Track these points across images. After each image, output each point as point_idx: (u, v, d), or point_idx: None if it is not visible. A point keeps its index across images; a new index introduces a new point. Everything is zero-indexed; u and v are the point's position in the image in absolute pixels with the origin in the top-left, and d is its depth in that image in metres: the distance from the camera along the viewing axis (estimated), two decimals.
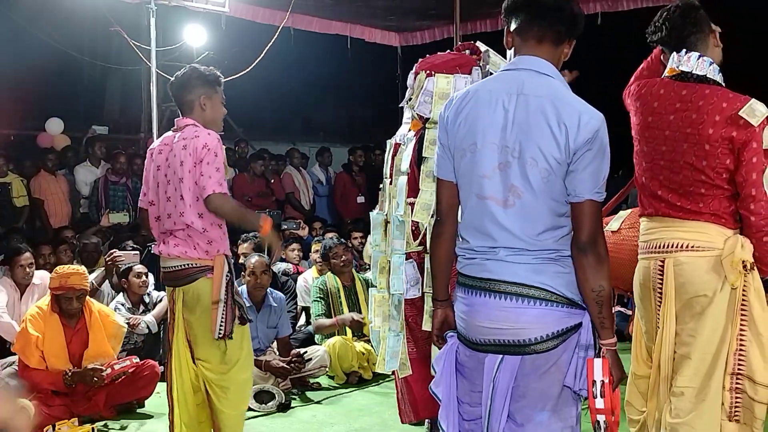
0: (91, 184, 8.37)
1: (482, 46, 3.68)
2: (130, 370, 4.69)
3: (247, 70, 8.51)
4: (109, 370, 4.59)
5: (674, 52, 2.79)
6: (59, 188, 8.33)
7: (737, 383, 2.73)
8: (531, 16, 2.21)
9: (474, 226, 2.22)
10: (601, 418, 2.15)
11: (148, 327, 5.49)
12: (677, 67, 2.77)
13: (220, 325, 3.31)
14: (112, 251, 5.16)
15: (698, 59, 2.73)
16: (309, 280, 6.48)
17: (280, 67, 11.48)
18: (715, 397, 2.73)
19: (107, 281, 5.72)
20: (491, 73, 3.35)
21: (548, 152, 2.09)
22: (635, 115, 2.90)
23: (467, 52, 3.73)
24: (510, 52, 2.34)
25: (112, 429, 4.57)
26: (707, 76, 2.73)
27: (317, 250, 6.53)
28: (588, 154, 2.09)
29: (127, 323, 5.36)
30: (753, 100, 2.67)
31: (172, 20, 9.33)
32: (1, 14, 10.71)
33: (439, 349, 2.45)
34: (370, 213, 3.92)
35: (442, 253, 2.37)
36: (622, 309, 6.02)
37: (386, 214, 3.74)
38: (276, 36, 8.86)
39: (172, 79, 3.52)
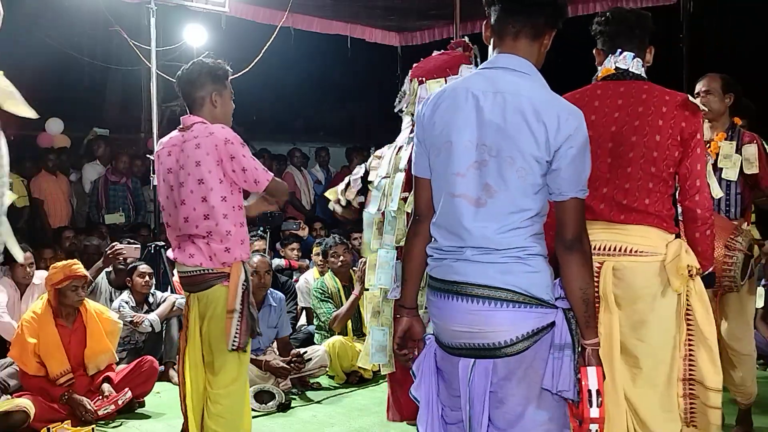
0: (91, 184, 8.38)
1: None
2: (119, 401, 4.62)
3: (247, 69, 8.49)
4: (104, 410, 4.53)
5: (610, 54, 2.80)
6: (59, 188, 8.35)
7: (690, 389, 2.70)
8: (506, 10, 2.18)
9: (444, 226, 2.19)
10: (594, 427, 2.11)
11: (151, 325, 5.49)
12: (612, 66, 2.77)
13: (235, 337, 3.15)
14: (113, 244, 5.12)
15: (633, 59, 2.76)
16: (310, 280, 6.49)
17: (280, 67, 11.48)
18: (674, 405, 2.69)
19: (105, 278, 5.73)
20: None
21: (527, 150, 2.06)
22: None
23: (460, 49, 3.75)
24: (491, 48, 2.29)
25: (112, 429, 4.57)
26: (642, 75, 2.76)
27: (318, 253, 6.55)
28: (570, 151, 2.07)
29: (131, 321, 5.37)
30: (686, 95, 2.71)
31: (172, 20, 9.33)
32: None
33: (402, 362, 2.41)
34: (363, 212, 3.92)
35: (416, 253, 2.31)
36: None
37: (381, 212, 3.75)
38: (276, 36, 8.85)
39: (179, 73, 3.36)
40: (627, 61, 2.75)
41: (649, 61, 2.86)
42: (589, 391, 2.09)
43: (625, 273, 2.66)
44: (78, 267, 4.65)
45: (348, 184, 4.21)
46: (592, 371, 2.11)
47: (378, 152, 3.99)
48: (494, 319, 2.09)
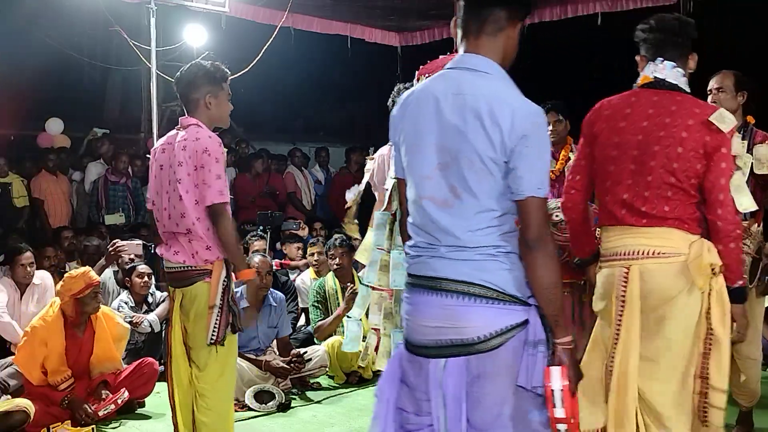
0: (91, 184, 8.38)
1: None
2: (118, 401, 4.60)
3: (247, 69, 8.50)
4: (104, 410, 4.53)
5: (650, 62, 2.82)
6: (59, 188, 8.35)
7: (705, 387, 2.72)
8: (466, 8, 2.20)
9: (418, 225, 2.22)
10: (562, 426, 2.09)
11: (150, 325, 5.49)
12: (651, 74, 2.80)
13: (213, 331, 3.28)
14: (114, 241, 5.11)
15: (672, 68, 2.78)
16: (306, 281, 6.50)
17: (280, 67, 11.49)
18: (687, 401, 2.72)
19: (113, 277, 5.73)
20: None
21: (483, 152, 2.06)
22: (601, 125, 2.85)
23: None
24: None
25: (112, 429, 4.57)
26: (678, 85, 2.78)
27: (313, 253, 6.55)
28: (525, 150, 2.05)
29: (130, 321, 5.37)
30: (722, 108, 2.72)
31: (172, 20, 9.33)
32: (1, 14, 10.71)
33: None
34: (374, 212, 3.93)
35: None
36: None
37: (393, 213, 3.76)
38: (275, 36, 8.86)
39: (177, 75, 3.44)
40: (666, 70, 2.78)
41: (692, 68, 2.88)
42: (553, 391, 2.07)
43: (651, 275, 2.69)
44: (94, 274, 4.64)
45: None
46: (556, 371, 2.09)
47: (375, 154, 4.02)
48: (468, 314, 2.10)
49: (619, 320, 2.73)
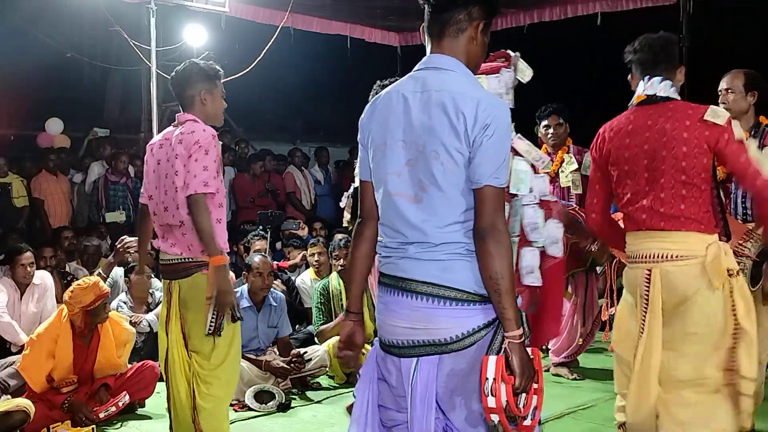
0: (91, 184, 8.38)
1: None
2: (119, 403, 4.58)
3: (247, 69, 8.50)
4: (104, 412, 4.52)
5: (641, 80, 3.09)
6: (59, 188, 8.35)
7: (731, 379, 2.91)
8: (429, 12, 2.26)
9: (387, 224, 2.24)
10: (494, 417, 2.07)
11: (150, 325, 5.49)
12: (643, 92, 3.06)
13: (211, 321, 3.33)
14: (122, 237, 5.08)
15: (661, 82, 3.03)
16: (306, 281, 6.50)
17: (280, 67, 11.47)
18: (718, 389, 2.91)
19: (123, 276, 5.73)
20: (517, 79, 3.43)
21: (449, 144, 2.11)
22: (609, 147, 3.12)
23: (501, 60, 3.75)
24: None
25: (113, 429, 4.57)
26: (670, 96, 3.02)
27: (313, 253, 6.55)
28: (485, 140, 2.09)
29: (129, 321, 5.37)
30: (711, 105, 2.97)
31: (172, 20, 9.33)
32: (1, 14, 10.71)
33: (343, 365, 2.41)
34: None
35: (360, 254, 2.35)
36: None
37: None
38: (276, 36, 8.86)
39: (173, 74, 3.52)
40: (654, 86, 3.04)
41: (681, 80, 3.16)
42: (486, 379, 2.06)
43: (671, 277, 2.93)
44: (103, 284, 4.62)
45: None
46: (491, 360, 2.07)
47: None
48: (437, 316, 2.13)
49: (643, 317, 2.98)
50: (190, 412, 3.46)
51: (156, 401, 4.94)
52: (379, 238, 2.30)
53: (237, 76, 8.26)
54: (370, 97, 3.90)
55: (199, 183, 3.25)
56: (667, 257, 2.93)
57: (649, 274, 2.95)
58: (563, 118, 5.38)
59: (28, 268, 5.34)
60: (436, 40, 2.25)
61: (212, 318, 3.33)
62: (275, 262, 6.98)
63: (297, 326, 6.29)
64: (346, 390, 5.36)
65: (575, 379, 5.34)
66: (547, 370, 5.39)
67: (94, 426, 4.41)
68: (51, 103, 11.27)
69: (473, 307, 2.12)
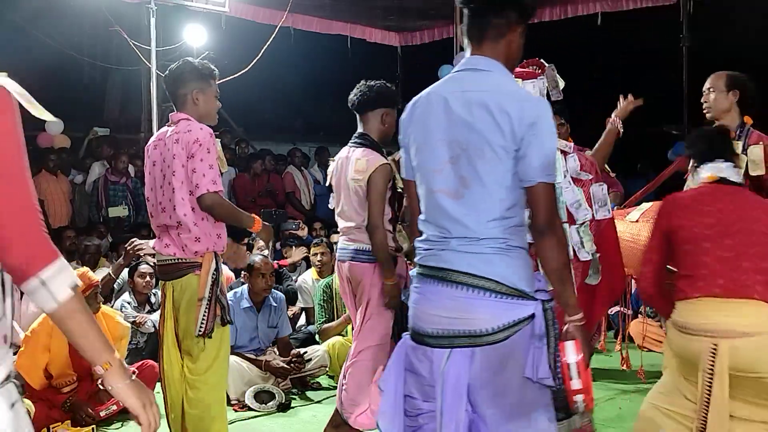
0: (92, 184, 8.38)
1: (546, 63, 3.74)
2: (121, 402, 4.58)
3: (247, 69, 8.51)
4: (105, 411, 4.53)
5: (712, 162, 3.13)
6: (59, 188, 8.34)
7: None
8: (470, 15, 2.31)
9: (429, 220, 2.32)
10: (579, 398, 2.18)
11: (154, 326, 5.49)
12: (717, 174, 3.10)
13: (201, 323, 3.31)
14: (132, 239, 5.07)
15: (732, 168, 3.13)
16: (308, 281, 6.49)
17: (280, 67, 11.48)
18: None
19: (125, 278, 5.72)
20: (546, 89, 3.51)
21: (494, 141, 2.17)
22: (684, 213, 3.08)
23: (533, 68, 3.78)
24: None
25: (112, 429, 4.57)
26: (740, 182, 3.13)
27: (316, 253, 6.55)
28: (534, 138, 2.15)
29: (134, 321, 5.37)
30: None
31: (172, 20, 9.32)
32: (1, 14, 10.70)
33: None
34: None
35: None
36: (622, 309, 6.02)
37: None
38: (275, 36, 8.86)
39: (166, 72, 3.51)
40: (726, 171, 3.12)
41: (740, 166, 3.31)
42: (569, 364, 2.17)
43: (740, 352, 2.83)
44: (92, 274, 4.65)
45: None
46: (569, 345, 2.19)
47: (336, 156, 4.07)
48: (476, 307, 2.18)
49: (708, 391, 2.88)
50: (178, 418, 3.44)
51: (157, 401, 4.94)
52: (421, 234, 2.37)
53: (236, 75, 8.27)
54: (352, 96, 3.91)
55: (209, 182, 3.25)
56: (736, 334, 2.84)
57: (716, 348, 2.85)
58: (564, 118, 5.38)
59: None
60: (476, 43, 2.30)
61: (203, 319, 3.31)
62: (275, 262, 6.98)
63: (301, 326, 6.29)
64: None
65: None
66: None
67: (94, 426, 4.41)
68: (51, 103, 11.11)
69: (511, 301, 2.18)
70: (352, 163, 3.85)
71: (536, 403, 2.22)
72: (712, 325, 2.88)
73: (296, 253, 7.22)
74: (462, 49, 3.81)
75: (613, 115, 3.99)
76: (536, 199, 2.19)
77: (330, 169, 4.16)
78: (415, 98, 2.39)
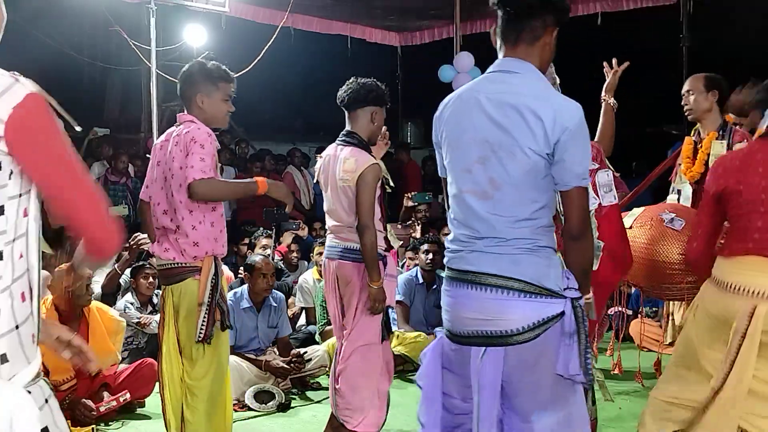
0: None
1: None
2: (120, 398, 4.59)
3: (247, 69, 8.51)
4: (105, 407, 4.53)
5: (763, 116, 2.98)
6: None
7: None
8: (506, 17, 2.32)
9: (458, 219, 2.34)
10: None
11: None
12: (763, 127, 2.95)
13: (201, 328, 3.28)
14: (136, 234, 5.01)
15: None
16: (309, 280, 6.49)
17: (280, 67, 11.48)
18: None
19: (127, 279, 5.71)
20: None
21: (525, 144, 2.18)
22: (735, 177, 2.94)
23: None
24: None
25: (113, 429, 4.57)
26: None
27: (321, 252, 6.54)
28: (569, 143, 2.17)
29: (138, 322, 5.37)
30: None
31: (172, 20, 9.34)
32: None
33: None
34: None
35: None
36: (622, 309, 6.02)
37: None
38: (276, 36, 8.86)
39: (181, 72, 3.46)
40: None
41: None
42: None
43: None
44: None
45: None
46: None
47: (323, 153, 4.03)
48: (505, 308, 2.21)
49: (737, 352, 2.83)
50: (178, 423, 3.41)
51: (156, 401, 4.92)
52: (450, 233, 2.40)
53: (236, 75, 8.25)
54: (341, 92, 3.85)
55: (196, 171, 3.15)
56: None
57: (753, 311, 2.77)
58: None
59: None
60: (511, 45, 2.31)
61: (202, 324, 3.28)
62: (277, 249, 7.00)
63: (301, 326, 6.29)
64: None
65: None
66: None
67: (94, 426, 4.41)
68: None
69: (540, 300, 2.21)
70: (340, 163, 3.77)
71: (569, 401, 2.27)
72: (755, 285, 2.81)
73: (286, 237, 7.24)
74: (462, 49, 3.82)
75: (603, 93, 3.94)
76: (570, 203, 2.24)
77: (317, 166, 4.08)
78: (447, 98, 2.42)
